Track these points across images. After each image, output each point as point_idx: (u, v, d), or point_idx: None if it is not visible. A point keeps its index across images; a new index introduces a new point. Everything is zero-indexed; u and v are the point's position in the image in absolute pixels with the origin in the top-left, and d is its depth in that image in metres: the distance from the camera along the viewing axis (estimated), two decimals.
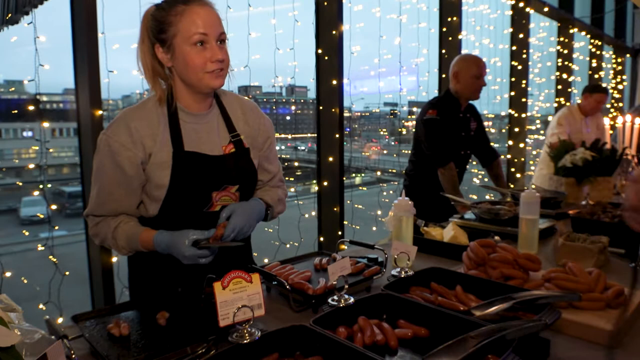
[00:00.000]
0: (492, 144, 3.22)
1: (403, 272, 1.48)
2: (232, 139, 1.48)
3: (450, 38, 4.52)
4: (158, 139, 1.37)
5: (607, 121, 3.80)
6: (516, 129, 5.95)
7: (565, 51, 7.11)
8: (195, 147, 1.41)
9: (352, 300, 1.26)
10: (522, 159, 5.95)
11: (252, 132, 1.54)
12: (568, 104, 6.48)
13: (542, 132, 7.06)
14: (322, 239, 3.52)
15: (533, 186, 2.68)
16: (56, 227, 2.57)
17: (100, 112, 2.28)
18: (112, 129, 1.38)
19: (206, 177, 1.41)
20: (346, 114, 3.47)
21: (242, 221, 1.36)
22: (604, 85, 5.09)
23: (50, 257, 2.46)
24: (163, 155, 1.37)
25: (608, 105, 9.06)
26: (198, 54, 1.32)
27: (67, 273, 2.46)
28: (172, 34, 1.32)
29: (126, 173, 1.36)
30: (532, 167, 5.93)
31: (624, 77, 9.39)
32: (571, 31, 7.18)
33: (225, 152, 1.46)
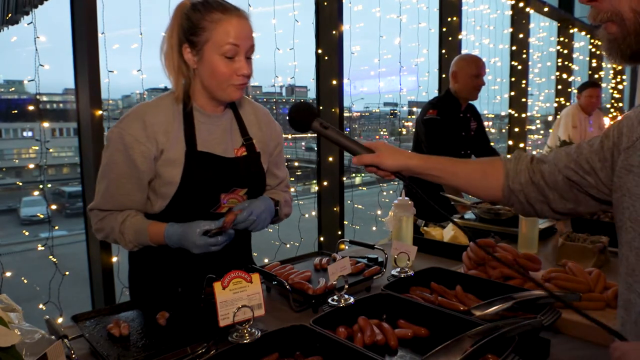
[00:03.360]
0: (492, 144, 3.22)
1: (403, 272, 1.48)
2: (245, 143, 1.48)
3: (450, 38, 4.52)
4: (171, 136, 1.37)
5: (607, 121, 3.81)
6: (516, 129, 5.95)
7: (565, 51, 7.11)
8: (209, 147, 1.41)
9: (352, 300, 1.26)
10: None
11: (264, 137, 1.54)
12: (568, 104, 6.48)
13: (542, 132, 7.06)
14: (322, 239, 3.52)
15: None
16: (56, 227, 2.57)
17: (100, 112, 2.28)
18: (125, 122, 1.36)
19: (216, 178, 1.40)
20: (346, 114, 3.47)
21: (260, 206, 1.37)
22: (603, 84, 5.11)
23: (50, 257, 2.46)
24: (175, 153, 1.37)
25: (608, 105, 9.06)
26: (226, 65, 1.31)
27: (67, 273, 2.46)
28: (204, 40, 1.30)
29: (138, 167, 1.35)
30: None
31: (624, 77, 9.39)
32: (571, 31, 7.18)
33: (237, 155, 1.46)
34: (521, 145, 5.93)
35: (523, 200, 1.01)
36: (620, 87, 9.31)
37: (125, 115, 1.38)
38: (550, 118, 6.97)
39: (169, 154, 1.36)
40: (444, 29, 4.52)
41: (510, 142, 5.95)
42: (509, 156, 1.07)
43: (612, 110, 8.93)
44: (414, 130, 3.07)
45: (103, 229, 1.42)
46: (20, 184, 17.12)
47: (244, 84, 1.36)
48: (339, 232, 3.46)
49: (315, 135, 1.20)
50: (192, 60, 1.34)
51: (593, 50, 8.19)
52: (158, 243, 1.38)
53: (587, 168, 0.90)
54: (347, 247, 2.14)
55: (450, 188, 1.22)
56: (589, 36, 7.94)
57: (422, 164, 1.08)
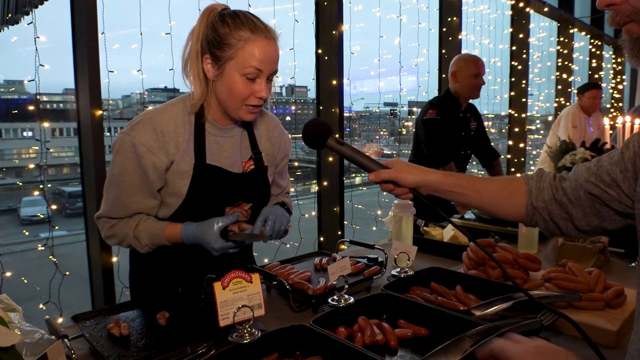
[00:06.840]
0: (492, 144, 3.22)
1: (403, 272, 1.48)
2: (254, 156, 1.47)
3: (450, 38, 4.52)
4: (181, 148, 1.35)
5: (607, 121, 3.81)
6: (516, 129, 5.95)
7: (565, 51, 7.12)
8: (217, 160, 1.39)
9: (352, 300, 1.26)
10: (522, 159, 5.96)
11: (273, 149, 1.54)
12: (568, 104, 6.49)
13: (542, 132, 7.06)
14: (322, 239, 3.52)
15: None
16: (56, 227, 2.56)
17: (100, 112, 2.28)
18: (137, 131, 1.32)
19: (223, 192, 1.40)
20: (346, 114, 3.47)
21: (277, 213, 1.41)
22: (603, 85, 5.13)
23: (50, 257, 2.46)
24: (184, 165, 1.35)
25: (608, 105, 9.07)
26: (245, 85, 1.28)
27: (67, 273, 2.46)
28: (228, 56, 1.26)
29: (149, 177, 1.33)
30: (532, 167, 5.93)
31: (624, 77, 9.39)
32: (571, 31, 7.18)
33: (245, 169, 1.45)
34: (521, 145, 5.93)
35: (547, 218, 0.99)
36: (620, 87, 9.31)
37: (135, 123, 1.34)
38: (550, 118, 6.97)
39: (178, 165, 1.35)
40: (444, 29, 4.53)
41: (510, 142, 5.95)
42: (530, 173, 1.05)
43: (612, 110, 8.93)
44: (413, 130, 3.07)
45: (115, 235, 1.40)
46: (20, 184, 17.13)
47: (259, 106, 1.33)
48: (339, 232, 3.47)
49: None
50: (211, 72, 1.30)
51: (593, 50, 8.19)
52: (174, 242, 1.38)
53: (609, 181, 0.88)
54: (347, 247, 2.14)
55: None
56: (589, 36, 7.94)
57: (442, 180, 1.07)
